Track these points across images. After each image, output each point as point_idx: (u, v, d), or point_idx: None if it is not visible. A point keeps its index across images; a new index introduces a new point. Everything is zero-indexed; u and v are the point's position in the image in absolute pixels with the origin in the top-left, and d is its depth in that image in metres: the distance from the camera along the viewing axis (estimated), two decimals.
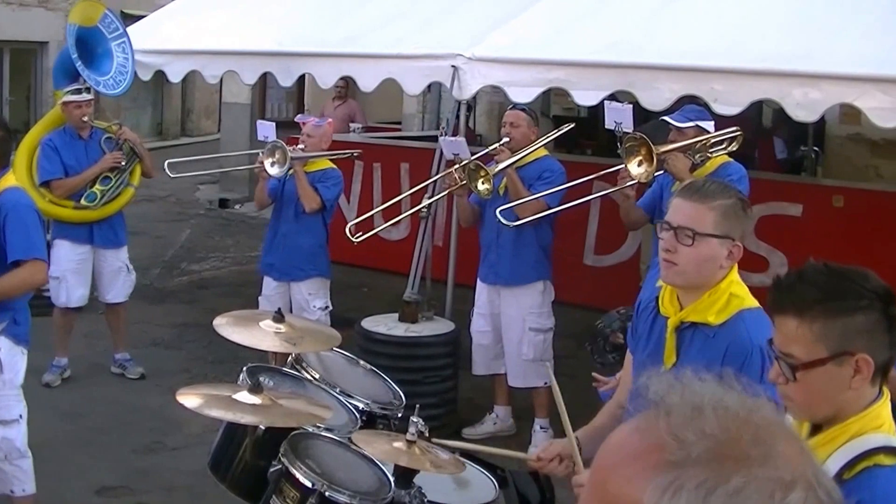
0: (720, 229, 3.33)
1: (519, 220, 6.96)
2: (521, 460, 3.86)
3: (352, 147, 11.12)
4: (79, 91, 8.07)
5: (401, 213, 8.60)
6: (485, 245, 7.40)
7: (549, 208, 6.98)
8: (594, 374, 4.99)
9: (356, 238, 7.55)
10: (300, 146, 7.65)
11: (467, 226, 7.51)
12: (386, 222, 8.40)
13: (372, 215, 8.43)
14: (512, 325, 7.28)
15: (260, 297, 7.93)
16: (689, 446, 1.14)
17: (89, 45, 8.62)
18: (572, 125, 7.97)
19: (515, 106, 7.39)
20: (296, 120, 8.28)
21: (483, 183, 6.91)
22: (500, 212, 6.93)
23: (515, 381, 7.37)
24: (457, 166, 7.21)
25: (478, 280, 7.49)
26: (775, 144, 14.17)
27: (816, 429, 2.49)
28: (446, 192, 7.65)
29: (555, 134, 7.68)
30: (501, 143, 7.19)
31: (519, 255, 7.17)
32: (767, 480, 1.12)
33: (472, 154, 7.32)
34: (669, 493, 1.13)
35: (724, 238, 3.34)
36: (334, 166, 7.90)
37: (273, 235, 7.86)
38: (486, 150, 7.38)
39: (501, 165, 7.00)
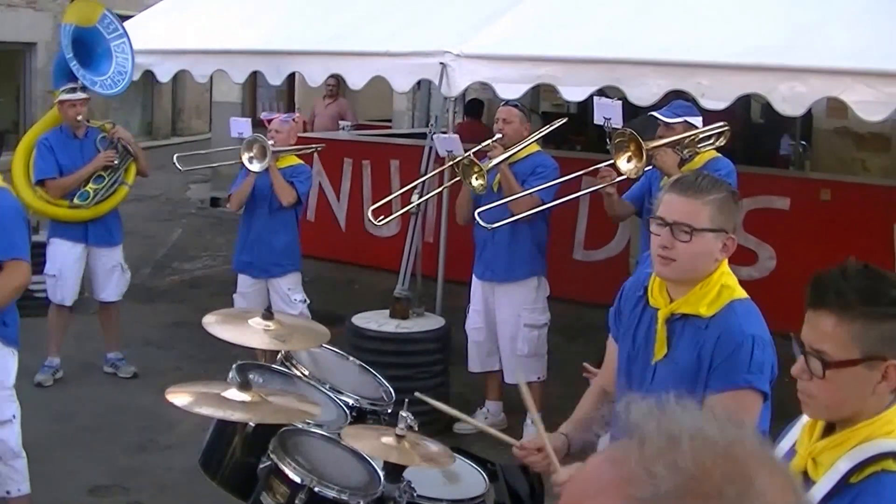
0: (716, 223, 3.36)
1: (504, 219, 6.97)
2: (508, 444, 3.88)
3: (342, 145, 11.17)
4: (73, 90, 8.09)
5: (392, 210, 8.60)
6: (479, 242, 7.41)
7: (543, 204, 7.01)
8: (585, 363, 5.01)
9: (378, 222, 7.61)
10: (269, 142, 7.67)
11: (464, 223, 7.51)
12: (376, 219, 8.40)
13: (390, 200, 8.40)
14: (507, 322, 7.30)
15: (235, 295, 7.97)
16: (659, 481, 1.08)
17: (88, 45, 8.61)
18: (565, 120, 7.98)
19: (508, 102, 7.41)
20: (261, 117, 8.31)
21: (477, 179, 6.93)
22: (487, 212, 6.95)
23: (510, 378, 7.39)
24: (450, 163, 7.22)
25: (473, 277, 7.51)
26: (781, 142, 14.24)
27: (829, 430, 2.49)
28: (440, 189, 7.67)
29: (547, 129, 7.68)
30: (494, 139, 7.21)
31: (514, 251, 7.19)
32: None
33: (466, 150, 7.34)
34: None
35: (719, 231, 3.37)
36: (302, 162, 7.96)
37: (247, 233, 7.89)
38: (480, 147, 7.40)
39: (494, 161, 7.01)
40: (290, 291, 7.76)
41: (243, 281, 7.93)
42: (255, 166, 7.42)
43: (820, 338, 2.42)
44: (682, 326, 3.46)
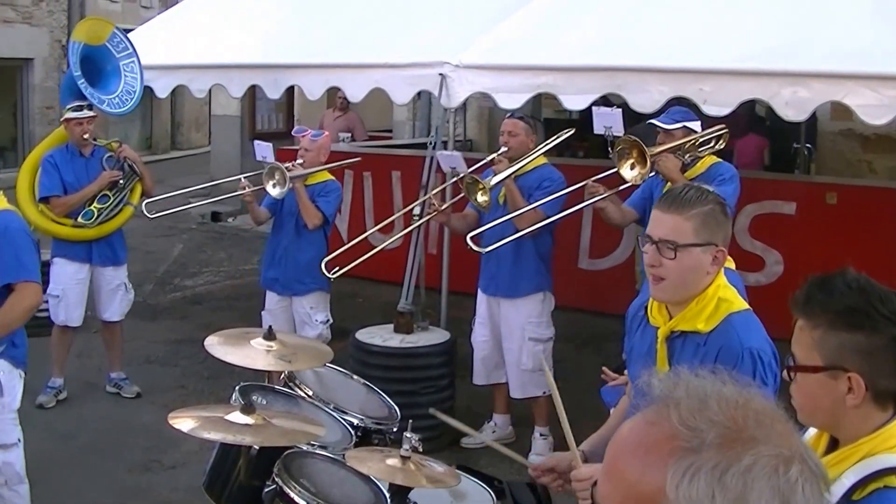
0: (701, 237, 3.33)
1: (506, 237, 6.91)
2: (520, 464, 3.84)
3: (343, 156, 11.08)
4: (80, 108, 8.04)
5: (394, 228, 8.55)
6: (485, 256, 7.32)
7: (547, 218, 6.94)
8: (604, 367, 4.98)
9: (332, 274, 7.47)
10: (298, 161, 7.62)
11: (459, 234, 7.44)
12: (379, 236, 8.34)
13: (370, 232, 8.33)
14: (511, 335, 7.24)
15: (263, 312, 7.90)
16: (702, 433, 1.28)
17: (97, 63, 8.55)
18: (572, 130, 7.89)
19: (513, 114, 7.34)
20: (293, 134, 8.25)
21: (481, 195, 6.85)
22: (490, 230, 6.90)
23: (515, 393, 7.33)
24: (453, 179, 7.14)
25: (478, 290, 7.45)
26: None
27: (834, 446, 2.46)
28: (443, 207, 7.60)
29: (554, 141, 7.54)
30: (500, 152, 7.13)
31: (518, 266, 7.12)
32: (771, 457, 1.27)
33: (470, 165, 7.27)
34: (689, 475, 1.26)
35: (707, 245, 3.34)
36: (333, 178, 7.88)
37: (274, 250, 7.83)
38: (485, 161, 7.33)
39: (499, 177, 6.93)
40: (311, 311, 7.68)
41: (270, 298, 7.87)
42: (276, 191, 7.37)
43: (794, 340, 2.46)
44: (681, 343, 3.44)
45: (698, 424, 1.29)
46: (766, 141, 13.28)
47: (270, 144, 8.09)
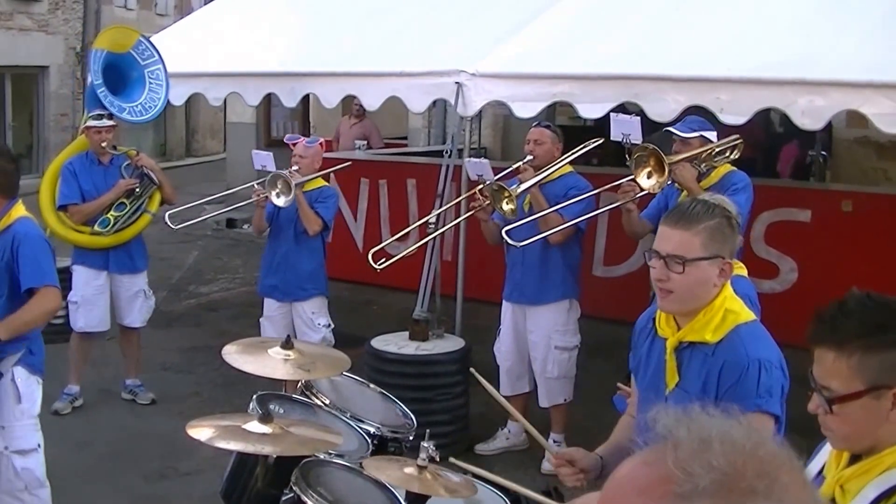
0: (709, 251, 3.38)
1: (534, 236, 6.90)
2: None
3: (358, 164, 11.13)
4: (100, 117, 8.08)
5: (409, 236, 8.54)
6: (510, 264, 7.33)
7: (571, 223, 6.92)
8: (619, 384, 4.99)
9: (379, 266, 7.44)
10: (294, 168, 7.63)
11: (494, 243, 7.42)
12: (399, 244, 8.33)
13: (387, 242, 8.33)
14: (538, 344, 7.23)
15: (262, 319, 7.92)
16: (697, 479, 1.18)
17: (121, 71, 8.58)
18: (601, 140, 7.86)
19: (539, 123, 7.33)
20: (285, 140, 8.25)
21: (507, 203, 6.84)
22: (517, 230, 6.88)
23: (542, 402, 7.32)
24: (480, 187, 7.14)
25: (503, 300, 7.45)
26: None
27: (856, 458, 2.46)
28: (457, 220, 7.60)
29: (582, 150, 7.51)
30: (525, 160, 7.12)
31: (545, 274, 7.11)
32: None
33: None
34: None
35: (714, 258, 3.39)
36: (328, 184, 7.91)
37: (272, 257, 7.85)
38: (510, 169, 7.33)
39: (525, 185, 6.91)
40: (313, 315, 7.70)
41: (269, 305, 7.88)
42: (282, 200, 7.37)
43: (825, 374, 2.43)
44: (689, 354, 3.48)
45: (694, 468, 1.19)
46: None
47: (270, 153, 8.10)
